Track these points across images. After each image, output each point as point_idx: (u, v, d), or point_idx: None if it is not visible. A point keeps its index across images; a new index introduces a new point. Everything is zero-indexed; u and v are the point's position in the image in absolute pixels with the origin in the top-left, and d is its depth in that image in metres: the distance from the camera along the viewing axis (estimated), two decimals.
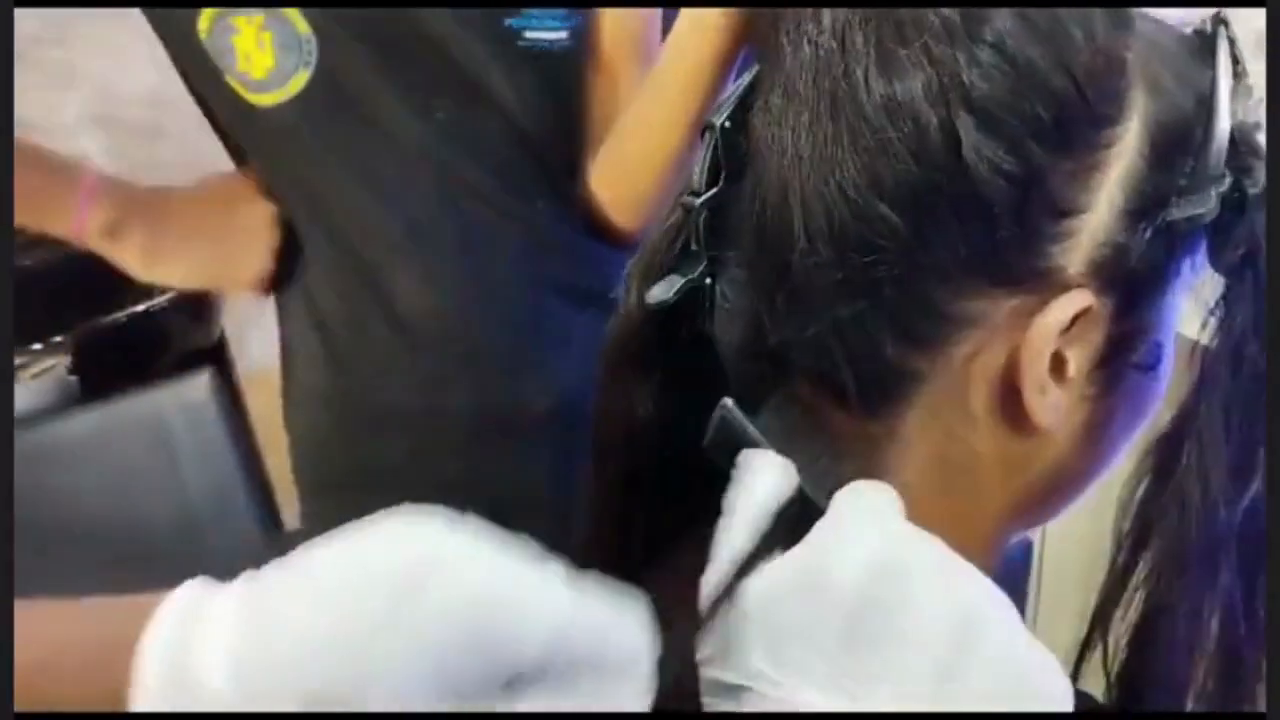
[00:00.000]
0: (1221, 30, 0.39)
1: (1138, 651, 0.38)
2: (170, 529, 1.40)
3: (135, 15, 0.79)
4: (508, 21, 0.77)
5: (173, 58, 0.79)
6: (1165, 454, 0.38)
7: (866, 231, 0.36)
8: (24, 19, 0.78)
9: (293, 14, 0.73)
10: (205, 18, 0.72)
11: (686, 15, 0.69)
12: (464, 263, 0.80)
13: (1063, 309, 0.36)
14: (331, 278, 0.81)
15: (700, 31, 0.68)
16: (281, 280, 0.85)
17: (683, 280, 0.42)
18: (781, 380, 0.41)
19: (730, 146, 0.41)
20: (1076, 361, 0.38)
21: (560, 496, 0.67)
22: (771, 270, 0.39)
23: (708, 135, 0.41)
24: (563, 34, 0.78)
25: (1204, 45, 0.39)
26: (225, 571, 0.36)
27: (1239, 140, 0.36)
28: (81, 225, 0.77)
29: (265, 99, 0.75)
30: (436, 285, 0.80)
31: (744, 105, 0.40)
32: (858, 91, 0.36)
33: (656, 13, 0.82)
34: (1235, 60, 0.38)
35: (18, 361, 1.48)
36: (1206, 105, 0.37)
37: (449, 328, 0.81)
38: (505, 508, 0.39)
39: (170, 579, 0.36)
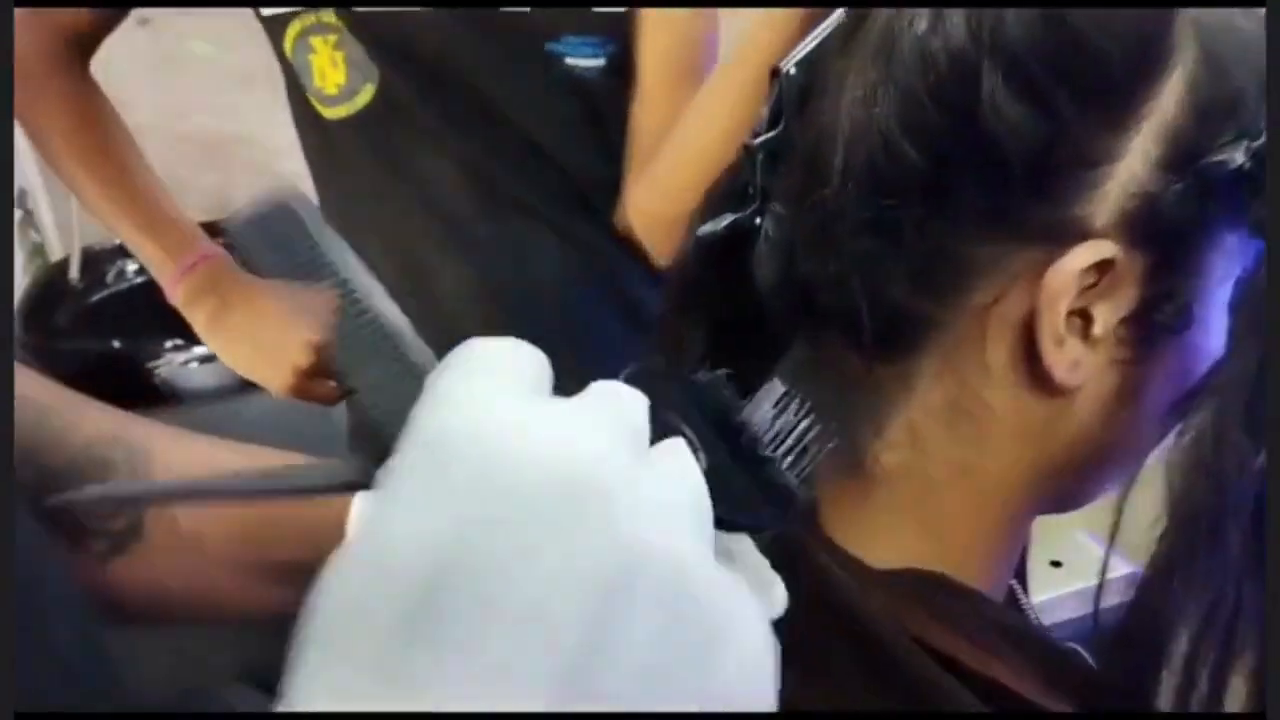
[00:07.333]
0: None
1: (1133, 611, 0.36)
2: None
3: None
4: (548, 47, 0.79)
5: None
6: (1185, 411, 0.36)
7: (893, 173, 0.37)
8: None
9: (361, 37, 0.79)
10: (289, 38, 0.79)
11: (761, 20, 0.67)
12: (502, 265, 0.83)
13: (1081, 256, 0.36)
14: (384, 278, 0.86)
15: (769, 34, 0.66)
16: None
17: (732, 217, 0.43)
18: (806, 319, 0.41)
19: (793, 92, 0.42)
20: (1103, 318, 0.37)
21: None
22: (806, 203, 0.40)
23: (775, 81, 0.43)
24: (600, 60, 0.80)
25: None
26: None
27: None
28: (173, 289, 0.89)
29: (336, 112, 0.81)
30: (477, 285, 0.84)
31: (812, 56, 0.42)
32: (901, 37, 0.37)
33: (701, 38, 0.80)
34: None
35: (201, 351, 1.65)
36: (1257, 71, 0.36)
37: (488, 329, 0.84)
38: None
39: None
